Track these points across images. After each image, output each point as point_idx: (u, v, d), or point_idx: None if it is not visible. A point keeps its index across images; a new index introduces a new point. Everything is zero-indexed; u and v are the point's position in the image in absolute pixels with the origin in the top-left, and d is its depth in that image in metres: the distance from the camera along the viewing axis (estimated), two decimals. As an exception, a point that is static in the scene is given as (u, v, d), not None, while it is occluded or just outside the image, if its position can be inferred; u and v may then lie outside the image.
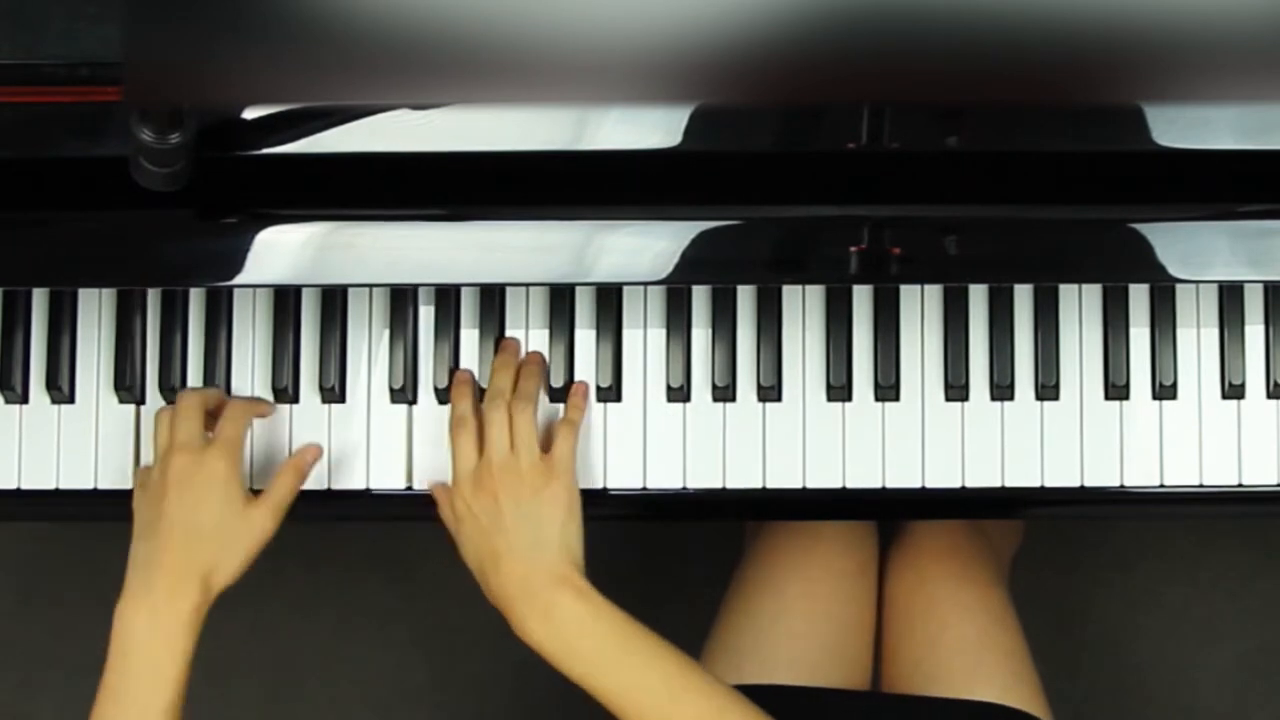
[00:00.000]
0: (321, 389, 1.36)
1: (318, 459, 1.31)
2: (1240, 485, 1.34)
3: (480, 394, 1.32)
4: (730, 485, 1.35)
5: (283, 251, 1.26)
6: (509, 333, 1.36)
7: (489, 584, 1.24)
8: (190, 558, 1.18)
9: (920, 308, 1.35)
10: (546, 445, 1.28)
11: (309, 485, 1.34)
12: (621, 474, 1.36)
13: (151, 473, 1.25)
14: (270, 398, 1.36)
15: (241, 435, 1.25)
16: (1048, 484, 1.34)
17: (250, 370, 1.37)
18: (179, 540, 1.19)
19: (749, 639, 1.47)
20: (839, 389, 1.34)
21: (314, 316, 1.37)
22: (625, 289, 1.36)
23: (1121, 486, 1.34)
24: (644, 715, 1.18)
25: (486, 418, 1.27)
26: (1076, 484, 1.34)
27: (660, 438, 1.35)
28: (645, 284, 1.31)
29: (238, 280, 1.26)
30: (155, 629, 1.17)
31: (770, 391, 1.35)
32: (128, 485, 1.35)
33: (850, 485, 1.33)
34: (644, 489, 1.35)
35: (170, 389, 1.36)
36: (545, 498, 1.24)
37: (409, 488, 1.36)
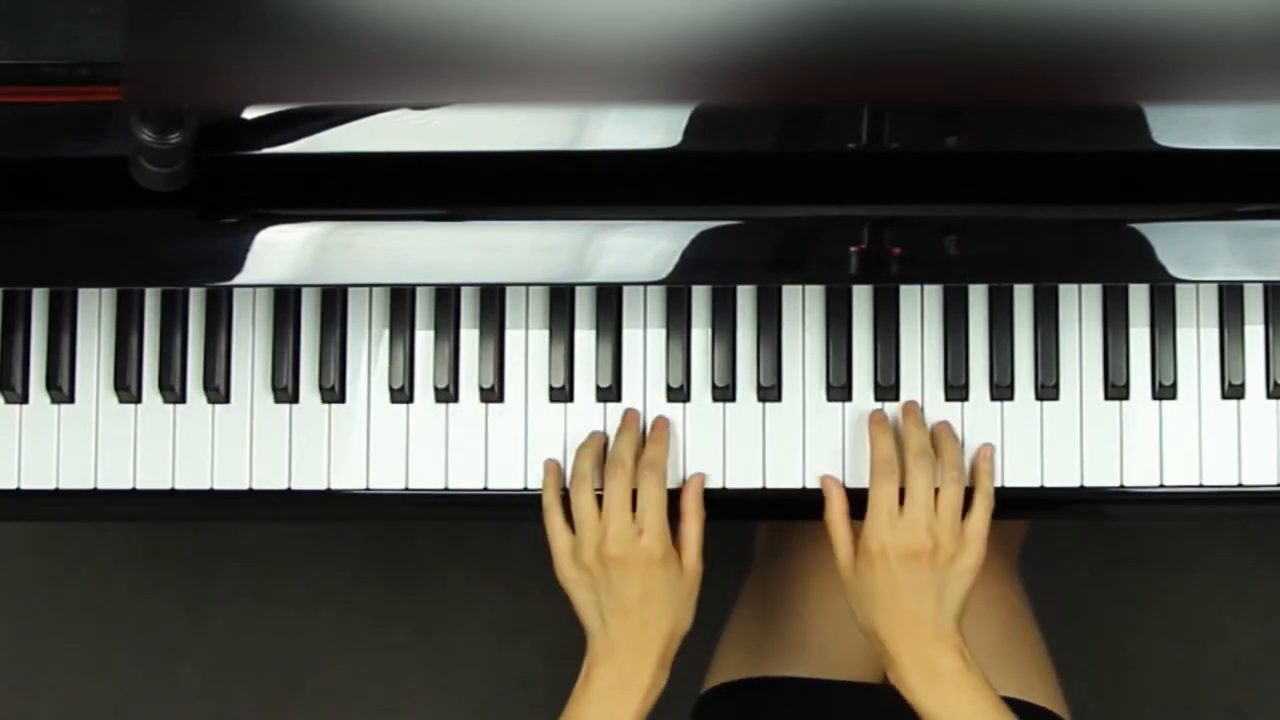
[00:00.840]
0: (321, 389, 1.36)
1: (703, 484, 1.34)
2: (1240, 485, 1.34)
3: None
4: (730, 485, 1.35)
5: (283, 251, 1.26)
6: (509, 332, 1.36)
7: (873, 624, 1.29)
8: (647, 633, 1.29)
9: (920, 308, 1.35)
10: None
11: (307, 485, 1.34)
12: (621, 474, 1.35)
13: (586, 558, 1.30)
14: (270, 398, 1.36)
15: (664, 511, 1.30)
16: (1047, 484, 1.34)
17: (250, 370, 1.37)
18: (635, 623, 1.29)
19: (769, 632, 1.47)
20: (839, 389, 1.34)
21: (314, 316, 1.37)
22: (625, 289, 1.36)
23: (1121, 486, 1.34)
24: None
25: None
26: (1076, 484, 1.34)
27: (660, 438, 1.35)
28: (645, 284, 1.31)
29: (238, 280, 1.26)
30: (615, 694, 1.29)
31: (770, 391, 1.35)
32: (127, 485, 1.36)
33: (851, 485, 1.33)
34: (644, 489, 1.35)
35: (170, 389, 1.36)
36: (960, 568, 1.28)
37: (408, 488, 1.36)
